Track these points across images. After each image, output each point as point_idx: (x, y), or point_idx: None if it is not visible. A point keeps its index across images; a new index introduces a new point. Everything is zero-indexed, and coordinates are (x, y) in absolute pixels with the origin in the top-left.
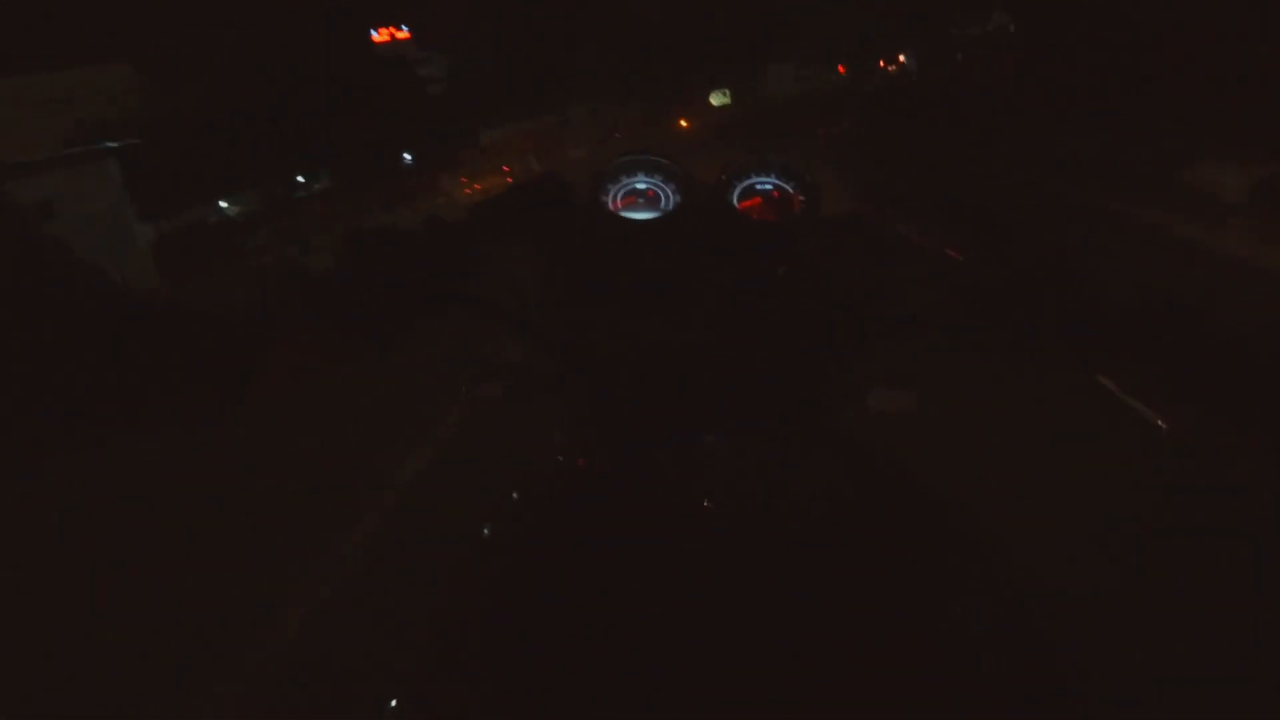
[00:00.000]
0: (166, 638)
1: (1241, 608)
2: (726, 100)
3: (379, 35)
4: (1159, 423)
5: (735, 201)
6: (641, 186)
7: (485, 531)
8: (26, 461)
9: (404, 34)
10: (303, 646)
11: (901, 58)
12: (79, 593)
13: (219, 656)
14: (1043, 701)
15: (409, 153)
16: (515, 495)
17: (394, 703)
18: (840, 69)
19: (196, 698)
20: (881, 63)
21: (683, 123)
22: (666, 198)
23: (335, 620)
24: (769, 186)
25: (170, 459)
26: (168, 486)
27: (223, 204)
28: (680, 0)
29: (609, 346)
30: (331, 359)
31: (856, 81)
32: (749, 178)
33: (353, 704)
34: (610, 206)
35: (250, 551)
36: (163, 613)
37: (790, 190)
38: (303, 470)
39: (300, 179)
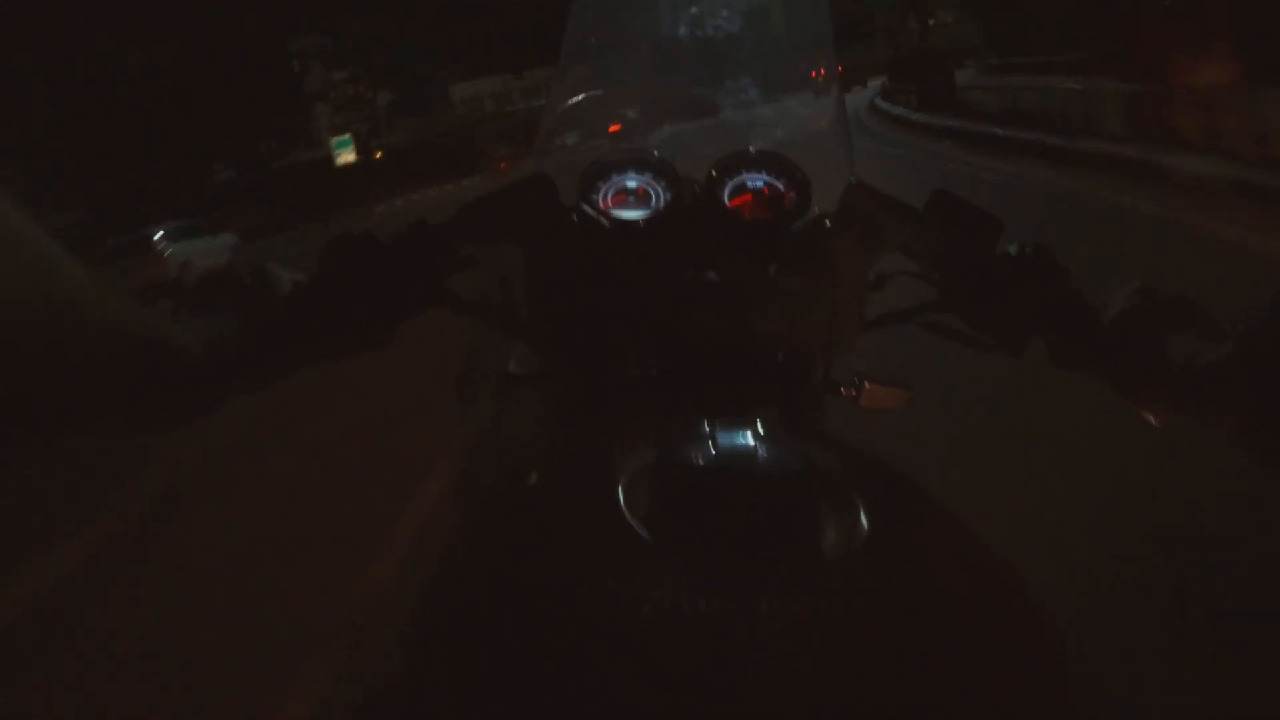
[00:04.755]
0: (162, 635)
1: (1242, 609)
2: None
3: None
4: (1151, 419)
5: (726, 199)
6: (632, 184)
7: (473, 532)
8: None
9: None
10: (295, 644)
11: (824, 70)
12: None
13: (212, 655)
14: (1043, 702)
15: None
16: (503, 495)
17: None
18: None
19: (191, 696)
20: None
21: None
22: (657, 196)
23: (328, 620)
24: (760, 183)
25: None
26: (158, 486)
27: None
28: None
29: (598, 345)
30: (315, 362)
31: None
32: (739, 174)
33: (346, 702)
34: (600, 205)
35: (241, 551)
36: (157, 610)
37: (781, 187)
38: (290, 473)
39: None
